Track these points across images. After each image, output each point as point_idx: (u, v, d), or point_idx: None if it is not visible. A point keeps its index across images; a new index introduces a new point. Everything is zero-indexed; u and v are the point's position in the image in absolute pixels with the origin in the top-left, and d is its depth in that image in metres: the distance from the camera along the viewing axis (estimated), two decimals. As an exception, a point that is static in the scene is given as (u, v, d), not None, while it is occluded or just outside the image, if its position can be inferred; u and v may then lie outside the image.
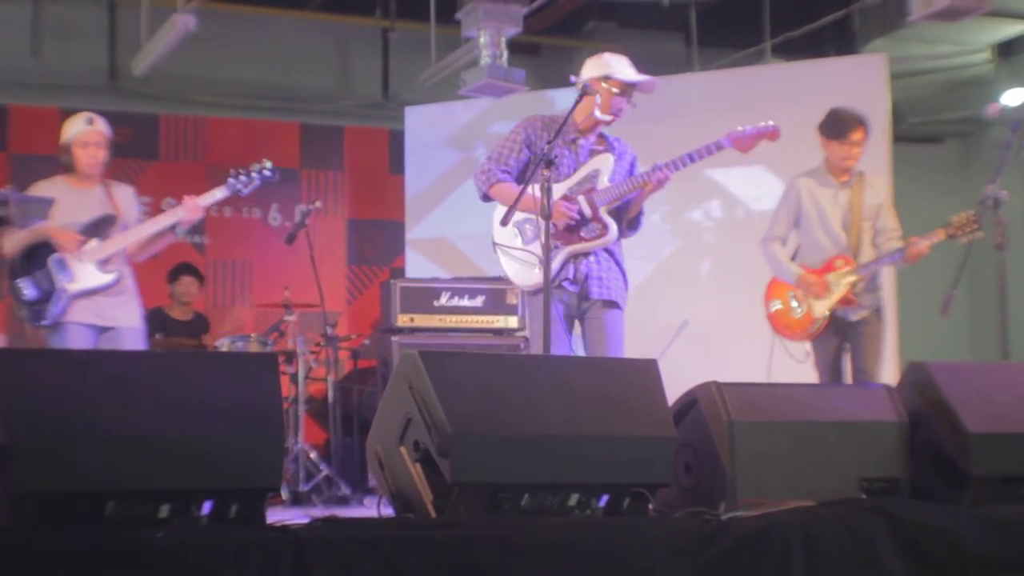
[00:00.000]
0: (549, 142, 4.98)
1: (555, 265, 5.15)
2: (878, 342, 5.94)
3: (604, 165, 5.33)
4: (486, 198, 5.38)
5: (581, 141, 5.35)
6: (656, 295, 8.29)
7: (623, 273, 5.36)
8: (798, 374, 5.96)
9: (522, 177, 5.28)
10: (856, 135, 5.94)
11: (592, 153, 5.36)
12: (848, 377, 5.93)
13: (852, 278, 5.85)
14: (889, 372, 6.66)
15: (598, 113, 5.26)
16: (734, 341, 8.03)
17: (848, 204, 5.96)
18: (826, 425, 3.95)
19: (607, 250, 5.30)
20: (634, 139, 5.62)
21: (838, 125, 5.96)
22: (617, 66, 5.31)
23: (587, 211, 5.26)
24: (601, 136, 5.41)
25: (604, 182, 5.30)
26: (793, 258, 6.10)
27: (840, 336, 5.93)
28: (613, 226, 5.25)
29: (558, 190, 5.19)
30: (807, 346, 6.04)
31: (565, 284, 5.22)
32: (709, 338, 8.12)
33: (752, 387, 3.98)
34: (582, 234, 5.25)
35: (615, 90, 5.26)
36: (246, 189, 6.06)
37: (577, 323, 5.33)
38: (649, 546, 3.37)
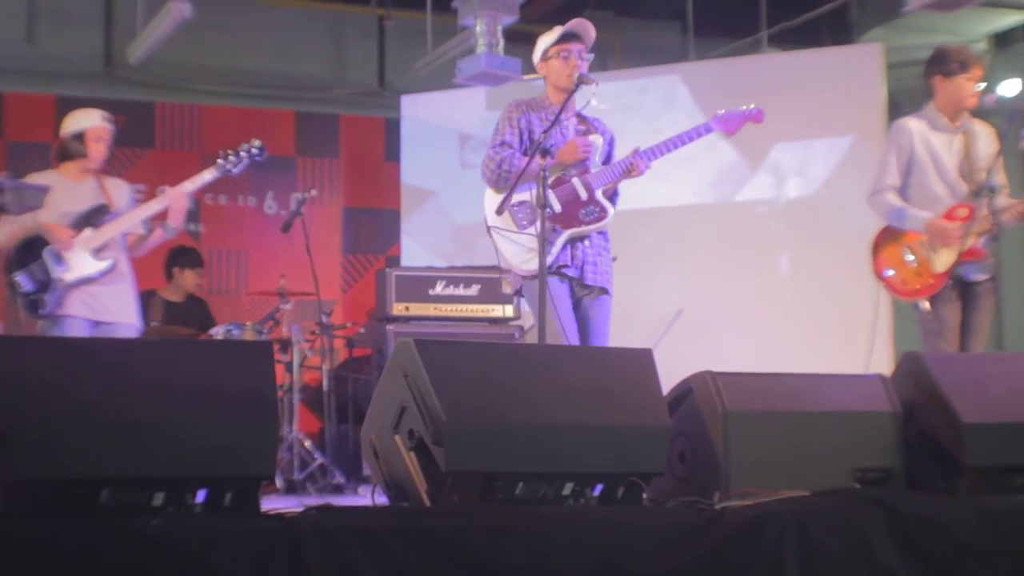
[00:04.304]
0: (545, 131, 4.98)
1: (555, 248, 5.14)
2: (994, 307, 5.51)
3: (595, 146, 5.32)
4: (505, 180, 5.19)
5: (564, 120, 5.33)
6: (650, 283, 8.29)
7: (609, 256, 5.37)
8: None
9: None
10: (978, 70, 5.54)
11: (579, 133, 5.35)
12: (957, 343, 5.43)
13: (982, 227, 5.38)
14: (883, 362, 6.65)
15: (562, 83, 5.31)
16: (730, 330, 8.04)
17: (962, 151, 5.56)
18: (821, 415, 3.95)
19: (599, 233, 5.29)
20: (630, 130, 5.63)
21: (960, 59, 5.53)
22: (546, 39, 5.43)
23: (583, 194, 5.24)
24: (582, 117, 5.41)
25: (596, 163, 5.30)
26: None
27: (959, 298, 5.48)
28: (610, 208, 5.24)
29: (553, 171, 5.17)
30: (922, 304, 5.44)
31: (565, 271, 5.20)
32: (704, 327, 8.12)
33: (747, 377, 3.97)
34: (580, 216, 5.22)
35: (559, 56, 5.35)
36: (236, 169, 6.05)
37: None
38: (643, 535, 3.37)
